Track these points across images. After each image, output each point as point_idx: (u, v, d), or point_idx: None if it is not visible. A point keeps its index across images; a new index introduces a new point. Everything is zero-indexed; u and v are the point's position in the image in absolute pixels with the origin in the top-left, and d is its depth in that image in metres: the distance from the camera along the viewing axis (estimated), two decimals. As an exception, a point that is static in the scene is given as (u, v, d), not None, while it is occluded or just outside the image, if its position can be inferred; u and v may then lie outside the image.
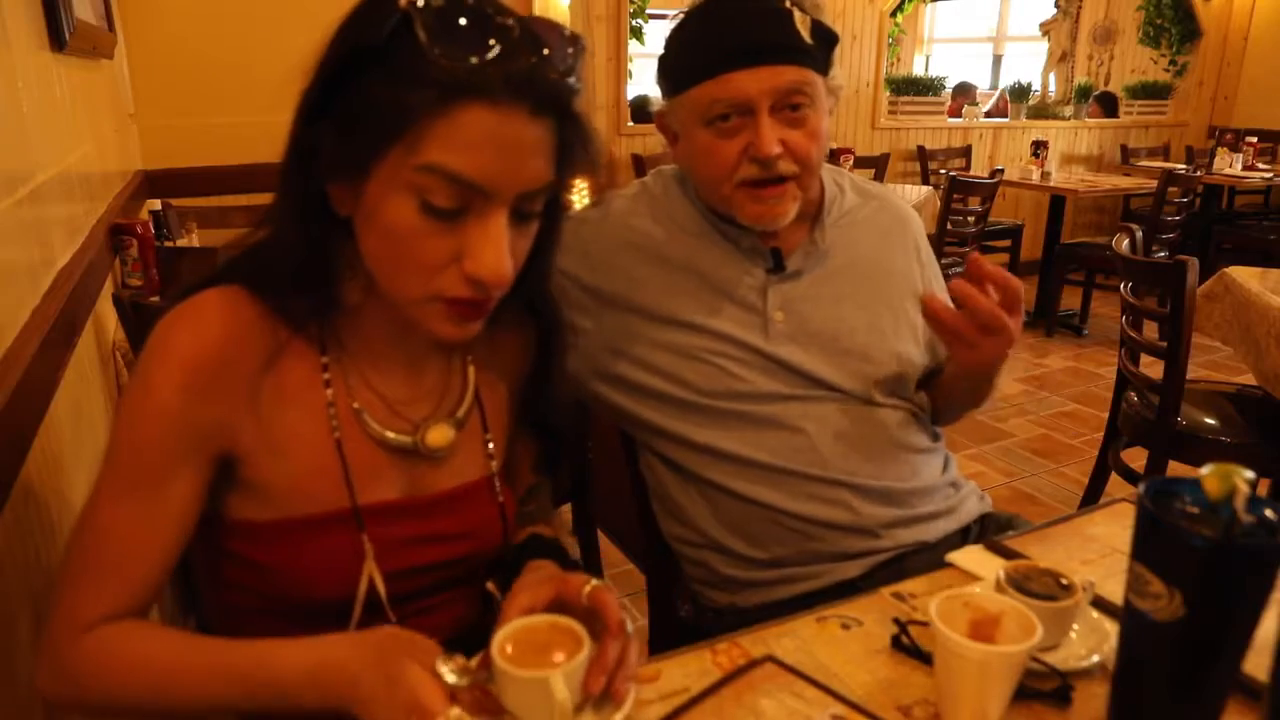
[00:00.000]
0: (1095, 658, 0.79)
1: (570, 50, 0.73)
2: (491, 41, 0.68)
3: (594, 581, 0.74)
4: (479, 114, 0.68)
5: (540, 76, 0.70)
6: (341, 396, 0.81)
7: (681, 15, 1.14)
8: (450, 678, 0.66)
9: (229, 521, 0.80)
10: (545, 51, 0.71)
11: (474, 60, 0.67)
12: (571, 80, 0.73)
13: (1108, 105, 6.59)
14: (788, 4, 1.07)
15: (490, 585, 0.87)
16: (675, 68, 1.13)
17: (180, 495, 0.76)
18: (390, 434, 0.83)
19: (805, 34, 1.07)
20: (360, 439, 0.82)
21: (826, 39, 1.09)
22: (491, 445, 0.90)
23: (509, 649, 0.67)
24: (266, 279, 0.77)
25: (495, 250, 0.72)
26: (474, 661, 0.69)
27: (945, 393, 1.23)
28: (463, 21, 0.68)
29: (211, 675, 0.72)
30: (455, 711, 0.64)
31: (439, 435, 0.84)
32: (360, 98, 0.70)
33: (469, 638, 0.82)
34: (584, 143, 0.77)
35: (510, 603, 0.74)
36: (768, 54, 1.06)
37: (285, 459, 0.78)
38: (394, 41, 0.68)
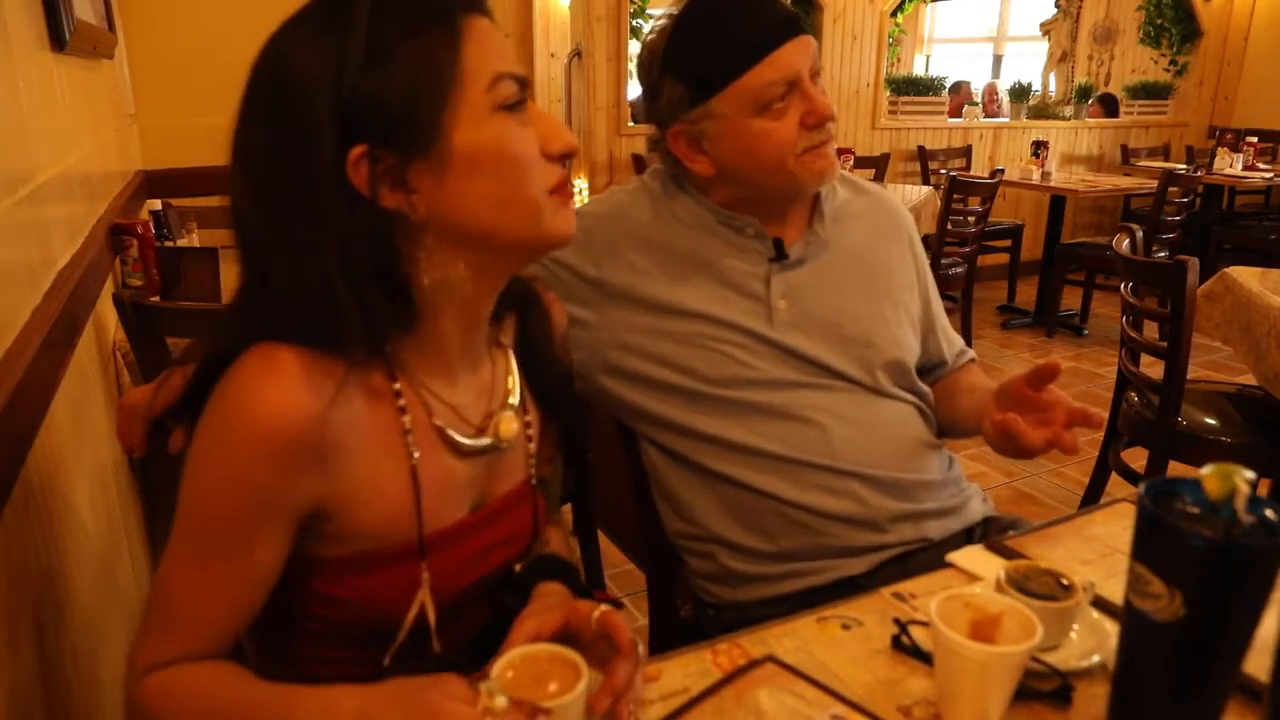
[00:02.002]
0: (1095, 658, 0.79)
1: None
2: None
3: (603, 606, 0.74)
4: (477, 21, 0.74)
5: None
6: (420, 418, 0.79)
7: (676, 17, 1.12)
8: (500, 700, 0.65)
9: (303, 559, 0.77)
10: None
11: None
12: None
13: (1108, 107, 6.59)
14: None
15: (518, 566, 0.89)
16: (708, 66, 1.10)
17: (262, 557, 0.74)
18: (471, 441, 0.82)
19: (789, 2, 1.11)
20: (438, 457, 0.80)
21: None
22: (531, 429, 0.90)
23: (508, 677, 0.67)
24: (316, 324, 0.71)
25: (556, 121, 0.79)
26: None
27: (955, 421, 1.24)
28: None
29: (237, 713, 0.71)
30: (500, 701, 0.64)
31: (507, 426, 0.84)
32: (393, 75, 0.70)
33: (482, 640, 0.82)
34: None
35: (517, 628, 0.74)
36: (792, 25, 1.10)
37: (370, 503, 0.76)
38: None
